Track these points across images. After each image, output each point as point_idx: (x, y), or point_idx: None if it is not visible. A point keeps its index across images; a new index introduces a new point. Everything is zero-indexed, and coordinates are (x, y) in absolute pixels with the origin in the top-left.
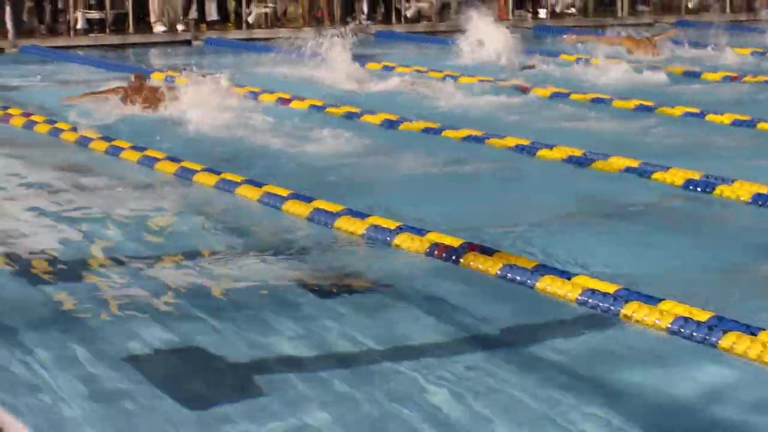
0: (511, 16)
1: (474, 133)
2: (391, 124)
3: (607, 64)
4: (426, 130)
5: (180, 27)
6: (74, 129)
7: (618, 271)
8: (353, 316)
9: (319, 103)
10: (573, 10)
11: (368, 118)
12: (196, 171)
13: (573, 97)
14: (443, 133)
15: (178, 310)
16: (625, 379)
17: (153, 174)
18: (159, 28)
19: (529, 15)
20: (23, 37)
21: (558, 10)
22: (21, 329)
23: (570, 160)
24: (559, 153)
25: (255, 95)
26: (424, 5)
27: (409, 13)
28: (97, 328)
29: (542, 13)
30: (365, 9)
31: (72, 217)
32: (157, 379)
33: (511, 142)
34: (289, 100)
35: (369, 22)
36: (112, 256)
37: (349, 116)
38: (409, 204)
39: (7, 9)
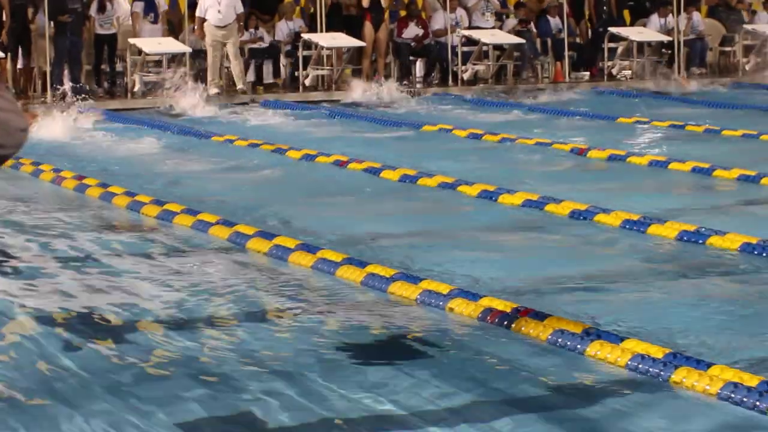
0: (567, 78)
1: (531, 197)
2: (447, 186)
3: None
4: (482, 194)
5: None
6: None
7: (669, 336)
8: (404, 381)
9: (377, 165)
10: (629, 72)
11: (425, 181)
12: (250, 236)
13: (629, 160)
14: (499, 199)
15: (224, 374)
16: None
17: (205, 238)
18: (213, 91)
19: (586, 77)
20: (81, 99)
21: (615, 72)
22: (88, 392)
23: (626, 224)
24: (616, 219)
25: (312, 157)
26: (480, 68)
27: (465, 76)
28: (145, 393)
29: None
30: (420, 72)
31: (122, 280)
32: None
33: (566, 208)
34: (346, 162)
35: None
36: (163, 318)
37: (403, 179)
38: (463, 267)
39: (65, 72)
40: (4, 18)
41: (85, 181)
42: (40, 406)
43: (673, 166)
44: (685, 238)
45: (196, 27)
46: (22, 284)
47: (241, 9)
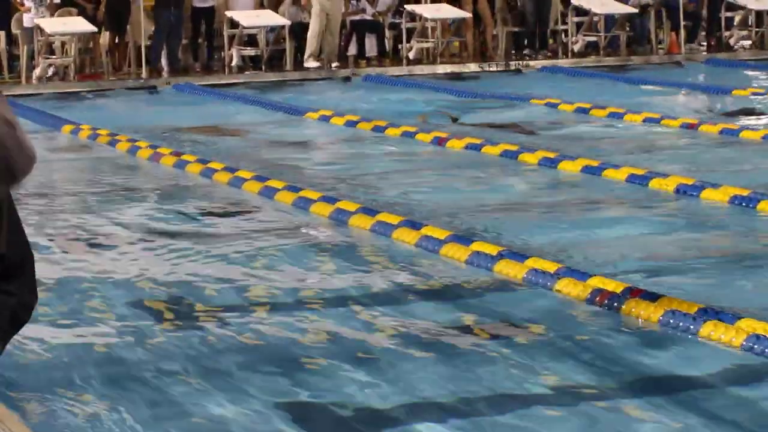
0: (683, 50)
1: (637, 172)
2: (550, 162)
3: None
4: (585, 169)
5: (337, 64)
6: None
7: None
8: (510, 365)
9: (478, 141)
10: (747, 43)
11: (526, 157)
12: (351, 213)
13: (743, 134)
14: (603, 173)
15: (330, 357)
16: None
17: (307, 216)
18: (312, 64)
19: (702, 48)
20: (178, 75)
21: (732, 43)
22: (183, 374)
23: (735, 199)
24: (724, 194)
25: (381, 129)
26: (591, 39)
27: (576, 48)
28: (243, 377)
29: None
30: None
31: (222, 260)
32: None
33: (673, 182)
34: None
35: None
36: (263, 300)
37: (504, 155)
38: (570, 247)
39: (163, 47)
40: None
41: (183, 157)
42: (147, 384)
43: None
44: None
45: None
46: (126, 261)
47: None
